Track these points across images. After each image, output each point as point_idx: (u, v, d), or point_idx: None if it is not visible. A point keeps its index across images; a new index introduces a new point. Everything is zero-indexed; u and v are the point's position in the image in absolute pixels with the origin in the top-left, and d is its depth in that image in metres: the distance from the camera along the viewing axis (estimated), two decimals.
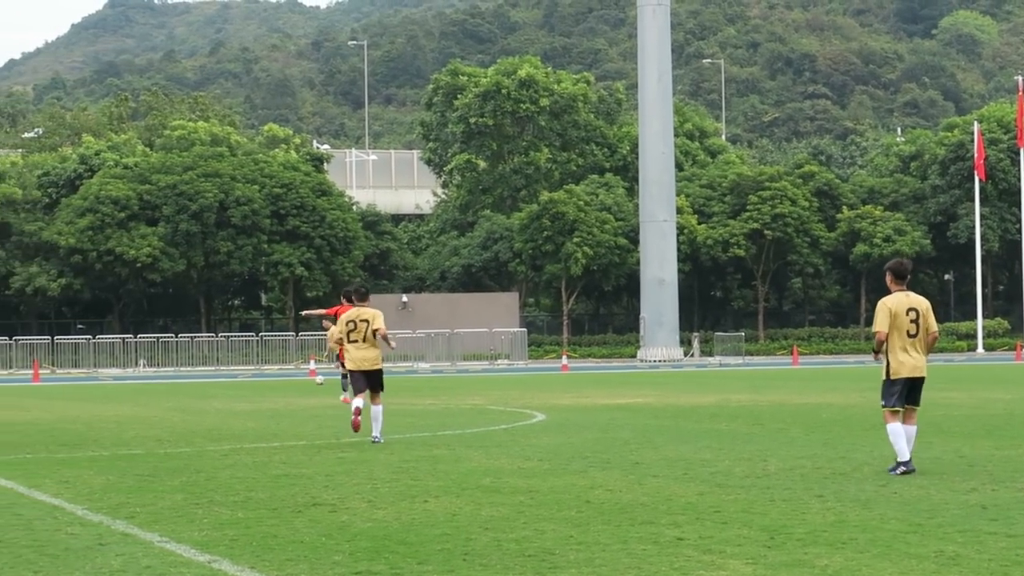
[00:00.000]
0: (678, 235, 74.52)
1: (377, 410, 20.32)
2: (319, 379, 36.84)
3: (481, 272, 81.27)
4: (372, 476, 15.88)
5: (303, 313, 46.17)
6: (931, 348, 15.69)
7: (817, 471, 15.72)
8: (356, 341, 20.27)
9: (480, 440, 20.90)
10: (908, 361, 15.40)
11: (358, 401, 20.31)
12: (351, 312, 20.58)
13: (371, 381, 20.29)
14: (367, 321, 20.20)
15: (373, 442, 20.27)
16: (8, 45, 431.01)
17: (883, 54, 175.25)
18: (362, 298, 20.85)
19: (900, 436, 15.35)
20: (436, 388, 41.67)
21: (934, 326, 15.63)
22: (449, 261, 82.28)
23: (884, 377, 15.57)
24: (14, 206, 75.23)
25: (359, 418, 20.28)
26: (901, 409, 15.44)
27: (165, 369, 66.44)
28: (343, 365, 30.46)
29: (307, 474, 16.27)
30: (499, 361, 69.18)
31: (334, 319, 31.63)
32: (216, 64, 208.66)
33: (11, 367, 65.59)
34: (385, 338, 20.35)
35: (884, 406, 15.57)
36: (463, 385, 44.06)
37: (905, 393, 15.50)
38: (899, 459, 15.34)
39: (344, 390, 30.65)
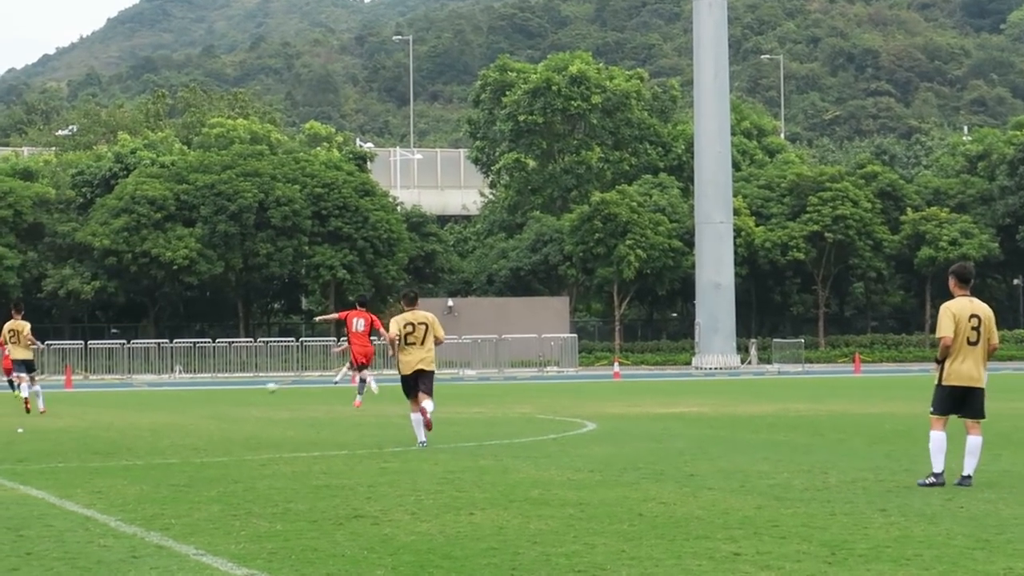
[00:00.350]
0: (735, 237, 74.52)
1: (429, 404, 20.72)
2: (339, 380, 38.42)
3: (530, 275, 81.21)
4: (416, 487, 15.84)
5: (316, 319, 47.61)
6: (989, 358, 15.58)
7: (880, 484, 15.64)
8: (414, 344, 20.92)
9: (528, 450, 20.97)
10: (964, 369, 15.32)
11: (420, 432, 20.91)
12: (407, 315, 21.10)
13: (425, 381, 20.92)
14: (425, 324, 20.98)
15: (421, 445, 20.84)
16: (42, 39, 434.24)
17: (949, 50, 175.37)
18: (411, 302, 21.40)
19: (941, 448, 15.28)
20: (483, 396, 41.97)
21: (995, 336, 15.55)
22: (497, 264, 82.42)
23: (936, 382, 15.52)
24: (47, 206, 75.09)
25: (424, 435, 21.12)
26: (946, 418, 15.42)
27: (202, 375, 66.41)
28: (358, 368, 34.18)
29: (348, 485, 16.20)
30: (548, 368, 68.89)
31: (344, 323, 35.18)
32: (256, 59, 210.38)
33: (43, 372, 64.66)
34: (438, 343, 21.28)
35: (932, 412, 15.56)
36: (511, 393, 44.34)
37: (956, 403, 15.41)
38: (933, 470, 15.27)
39: (359, 394, 33.70)
